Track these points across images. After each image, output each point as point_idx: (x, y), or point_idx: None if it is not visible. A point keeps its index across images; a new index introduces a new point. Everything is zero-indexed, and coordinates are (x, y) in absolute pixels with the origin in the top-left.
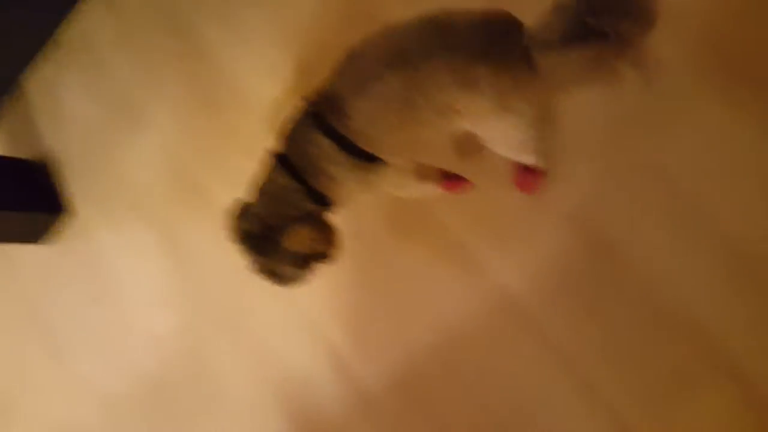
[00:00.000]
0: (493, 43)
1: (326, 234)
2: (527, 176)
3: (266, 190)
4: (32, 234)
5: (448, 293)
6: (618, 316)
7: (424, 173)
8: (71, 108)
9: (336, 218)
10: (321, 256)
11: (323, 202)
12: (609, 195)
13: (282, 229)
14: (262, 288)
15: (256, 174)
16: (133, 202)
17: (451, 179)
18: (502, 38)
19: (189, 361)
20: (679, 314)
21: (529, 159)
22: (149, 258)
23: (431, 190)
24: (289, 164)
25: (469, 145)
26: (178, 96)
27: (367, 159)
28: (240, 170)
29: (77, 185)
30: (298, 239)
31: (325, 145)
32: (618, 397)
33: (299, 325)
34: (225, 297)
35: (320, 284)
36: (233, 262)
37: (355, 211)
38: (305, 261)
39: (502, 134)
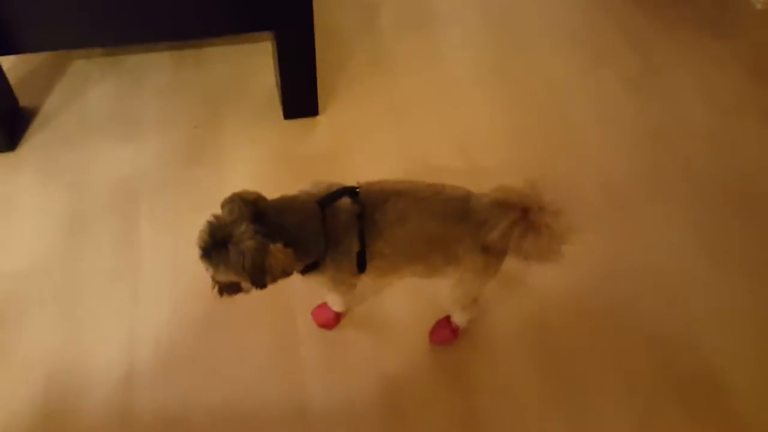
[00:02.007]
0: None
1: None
2: (446, 330)
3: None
4: None
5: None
6: None
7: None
8: None
9: None
10: (284, 276)
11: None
12: None
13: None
14: None
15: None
16: None
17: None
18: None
19: None
20: None
21: (461, 315)
22: None
23: (339, 305)
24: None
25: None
26: None
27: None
28: None
29: None
30: (280, 257)
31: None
32: None
33: None
34: None
35: None
36: None
37: None
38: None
39: (471, 287)
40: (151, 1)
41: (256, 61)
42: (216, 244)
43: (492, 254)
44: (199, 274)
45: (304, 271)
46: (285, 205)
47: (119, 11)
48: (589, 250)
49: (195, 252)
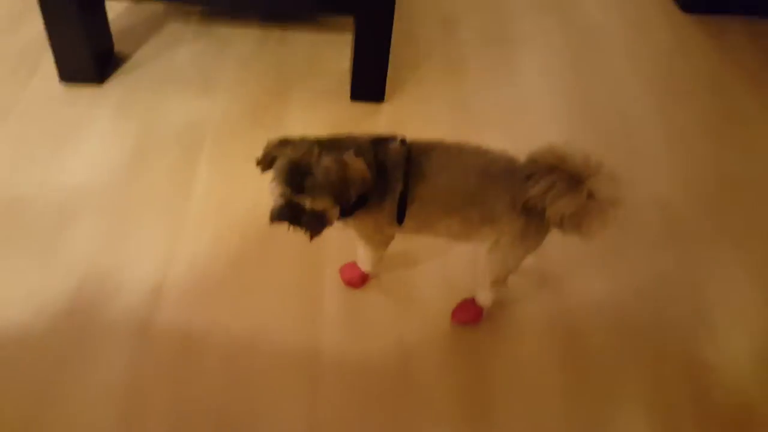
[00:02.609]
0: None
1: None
2: (470, 311)
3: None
4: None
5: None
6: None
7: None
8: None
9: None
10: (363, 189)
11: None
12: None
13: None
14: None
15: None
16: None
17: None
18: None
19: None
20: None
21: (488, 293)
22: None
23: (369, 264)
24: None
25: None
26: None
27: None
28: None
29: None
30: (357, 165)
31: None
32: None
33: None
34: None
35: None
36: None
37: None
38: (342, 194)
39: (506, 255)
40: None
41: (334, 49)
42: (298, 177)
43: (532, 218)
44: (244, 215)
45: (347, 212)
46: (339, 140)
47: None
48: (636, 269)
49: (243, 195)
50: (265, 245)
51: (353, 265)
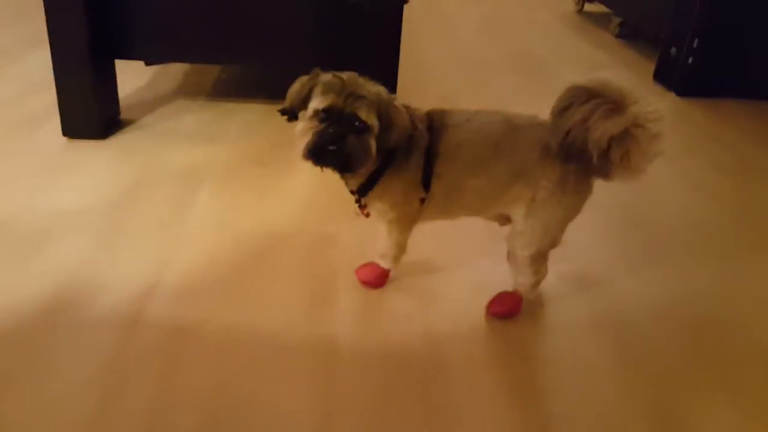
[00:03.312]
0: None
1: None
2: (507, 301)
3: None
4: None
5: None
6: None
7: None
8: None
9: None
10: (403, 135)
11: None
12: None
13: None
14: None
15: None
16: None
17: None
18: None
19: None
20: None
21: (527, 276)
22: None
23: (392, 253)
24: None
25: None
26: None
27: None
28: None
29: None
30: (402, 111)
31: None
32: None
33: None
34: None
35: None
36: None
37: None
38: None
39: (543, 218)
40: (255, 28)
41: None
42: (348, 91)
43: (569, 167)
44: (245, 233)
45: (372, 179)
46: None
47: (239, 32)
48: (689, 274)
49: (244, 218)
50: (269, 257)
51: (371, 264)
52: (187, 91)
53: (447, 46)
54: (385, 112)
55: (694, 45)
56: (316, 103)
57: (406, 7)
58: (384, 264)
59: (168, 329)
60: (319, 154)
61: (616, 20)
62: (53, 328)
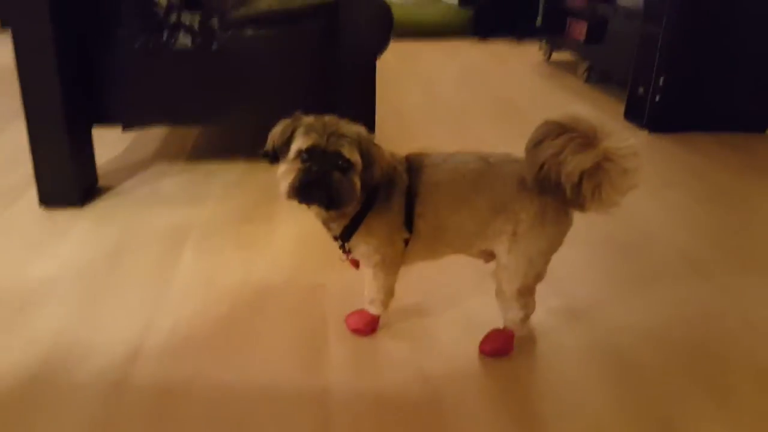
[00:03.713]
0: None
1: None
2: (499, 339)
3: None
4: None
5: None
6: None
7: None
8: None
9: None
10: (385, 173)
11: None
12: None
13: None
14: None
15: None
16: None
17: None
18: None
19: None
20: None
21: (516, 311)
22: None
23: (380, 298)
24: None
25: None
26: None
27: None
28: None
29: None
30: (383, 150)
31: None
32: None
33: None
34: None
35: None
36: None
37: None
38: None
39: (527, 250)
40: (233, 88)
41: None
42: (330, 131)
43: (547, 198)
44: (232, 289)
45: (355, 221)
46: None
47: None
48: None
49: (231, 275)
50: (257, 310)
51: (360, 311)
52: (166, 155)
53: (425, 95)
54: (366, 150)
55: (660, 83)
56: (299, 144)
57: (383, 63)
58: (373, 310)
59: (155, 390)
60: (304, 191)
61: (583, 66)
62: (37, 395)
